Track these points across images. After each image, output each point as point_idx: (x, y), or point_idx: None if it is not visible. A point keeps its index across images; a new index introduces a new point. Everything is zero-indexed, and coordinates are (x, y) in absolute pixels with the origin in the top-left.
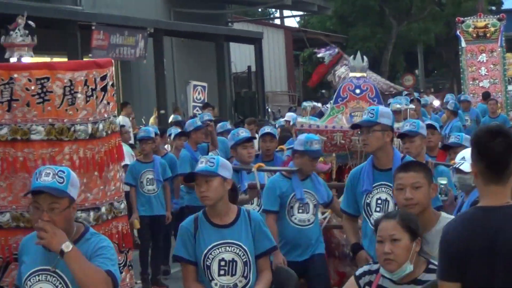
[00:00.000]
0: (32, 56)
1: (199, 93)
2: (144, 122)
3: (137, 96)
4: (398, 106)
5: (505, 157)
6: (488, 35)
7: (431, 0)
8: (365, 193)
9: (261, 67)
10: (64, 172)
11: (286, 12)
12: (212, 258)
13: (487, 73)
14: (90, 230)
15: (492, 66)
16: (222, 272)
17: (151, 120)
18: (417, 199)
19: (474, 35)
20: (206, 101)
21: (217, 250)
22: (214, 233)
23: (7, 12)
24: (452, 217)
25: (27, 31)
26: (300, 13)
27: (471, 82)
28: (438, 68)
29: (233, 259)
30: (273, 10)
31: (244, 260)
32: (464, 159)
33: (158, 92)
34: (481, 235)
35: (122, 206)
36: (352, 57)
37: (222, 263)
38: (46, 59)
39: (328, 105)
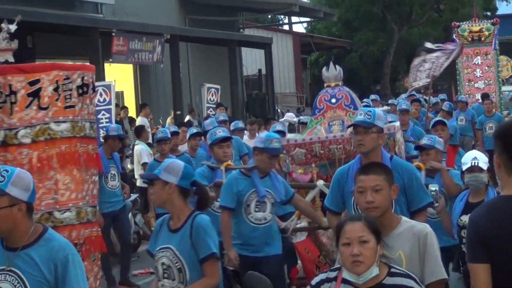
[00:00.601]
0: (8, 60)
1: (212, 95)
2: (161, 123)
3: (154, 98)
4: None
5: None
6: (482, 38)
7: (430, 7)
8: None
9: (271, 70)
10: (7, 172)
11: (294, 19)
12: (157, 261)
13: (482, 75)
14: (49, 231)
15: (486, 68)
16: (165, 275)
17: (168, 120)
18: (378, 202)
19: (470, 39)
20: (218, 102)
21: (160, 253)
22: (165, 236)
23: (33, 20)
24: (413, 221)
25: (4, 36)
26: (307, 19)
27: (466, 83)
28: None
29: (169, 264)
30: (282, 16)
31: (177, 266)
32: (476, 158)
33: (175, 94)
34: (506, 222)
35: (66, 215)
36: (325, 68)
37: (164, 266)
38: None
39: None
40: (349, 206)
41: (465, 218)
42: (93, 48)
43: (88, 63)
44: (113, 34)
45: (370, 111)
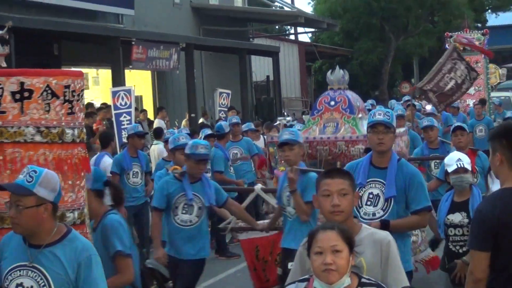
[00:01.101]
0: (1, 65)
1: (224, 99)
2: (177, 124)
3: (171, 101)
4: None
5: None
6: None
7: (425, 19)
8: (358, 186)
9: (278, 76)
10: (36, 172)
11: (300, 29)
12: None
13: None
14: (73, 231)
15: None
16: None
17: (183, 122)
18: (343, 207)
19: (461, 48)
20: (229, 106)
21: None
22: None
23: (59, 30)
24: (373, 228)
25: None
26: (312, 30)
27: None
28: None
29: None
30: (289, 27)
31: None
32: (461, 160)
33: (189, 98)
34: None
35: None
36: (330, 71)
37: None
38: (93, 70)
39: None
40: None
41: (452, 217)
42: (115, 56)
43: (75, 69)
44: (133, 42)
45: (388, 112)
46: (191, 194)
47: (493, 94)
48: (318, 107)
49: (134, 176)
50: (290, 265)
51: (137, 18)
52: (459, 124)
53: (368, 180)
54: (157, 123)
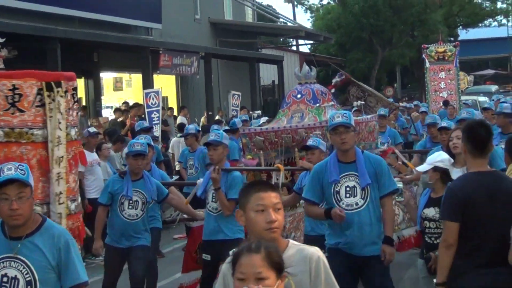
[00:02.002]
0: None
1: (236, 100)
2: (196, 121)
3: (191, 101)
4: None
5: (486, 139)
6: (446, 58)
7: (406, 33)
8: (333, 183)
9: (282, 81)
10: (23, 166)
11: (301, 41)
12: None
13: (445, 87)
14: (48, 220)
15: (449, 81)
16: None
17: (202, 119)
18: (279, 223)
19: (436, 58)
20: (239, 106)
21: None
22: None
23: (98, 40)
24: (302, 244)
25: None
26: (311, 42)
27: (433, 93)
28: (411, 82)
29: None
30: (291, 39)
31: None
32: (425, 161)
33: (207, 99)
34: (480, 188)
35: None
36: (297, 68)
37: None
38: (126, 75)
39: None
40: (329, 195)
41: (427, 211)
42: (145, 63)
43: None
44: (160, 52)
45: (346, 114)
46: (131, 191)
47: (462, 97)
48: (287, 100)
49: None
50: (204, 256)
51: (164, 31)
52: (444, 124)
53: (341, 175)
54: (180, 119)
